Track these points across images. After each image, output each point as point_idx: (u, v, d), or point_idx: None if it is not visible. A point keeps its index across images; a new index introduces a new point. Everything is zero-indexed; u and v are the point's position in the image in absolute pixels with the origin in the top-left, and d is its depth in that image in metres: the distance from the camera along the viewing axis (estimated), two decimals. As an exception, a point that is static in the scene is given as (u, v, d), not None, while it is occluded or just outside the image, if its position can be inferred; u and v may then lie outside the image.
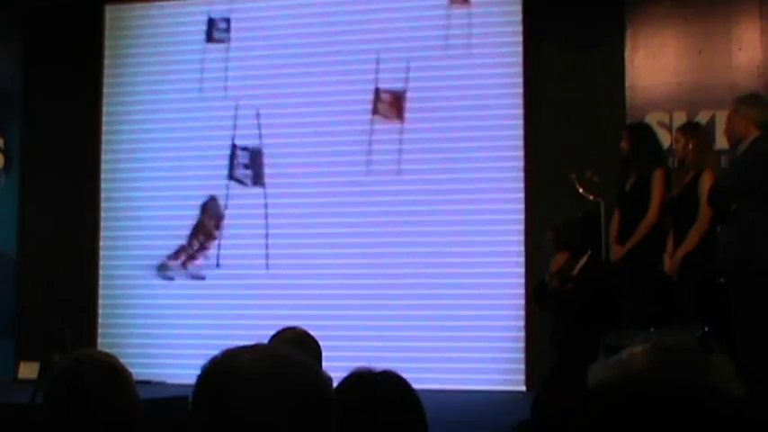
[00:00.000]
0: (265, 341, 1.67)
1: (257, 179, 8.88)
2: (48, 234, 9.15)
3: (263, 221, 8.82)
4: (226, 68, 9.05)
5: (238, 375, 1.45)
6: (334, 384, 2.27)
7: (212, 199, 9.00)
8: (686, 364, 1.56)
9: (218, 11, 9.13)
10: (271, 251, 8.75)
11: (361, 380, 2.23)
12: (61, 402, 2.40)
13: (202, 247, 9.04)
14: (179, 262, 9.04)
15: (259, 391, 1.43)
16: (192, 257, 9.07)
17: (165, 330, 8.84)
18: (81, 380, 2.39)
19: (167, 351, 8.60)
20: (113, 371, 2.46)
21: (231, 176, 8.98)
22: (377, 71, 8.63)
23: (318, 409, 1.46)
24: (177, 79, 9.14)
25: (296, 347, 2.82)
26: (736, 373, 1.62)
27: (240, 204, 8.92)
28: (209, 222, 9.05)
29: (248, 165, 8.92)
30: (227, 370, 1.47)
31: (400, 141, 8.54)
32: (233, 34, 9.07)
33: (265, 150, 8.86)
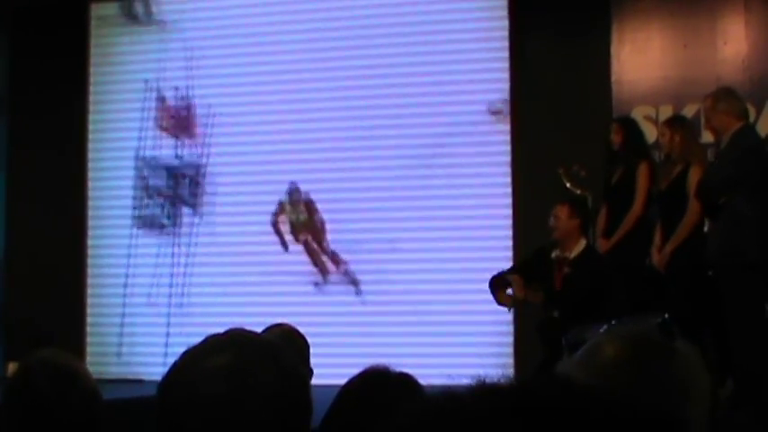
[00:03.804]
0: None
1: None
2: (35, 232, 9.12)
3: (245, 209, 8.82)
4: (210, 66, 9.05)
5: (197, 389, 1.42)
6: (343, 379, 2.27)
7: (294, 191, 8.76)
8: (653, 351, 1.57)
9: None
10: (260, 248, 8.75)
11: (373, 377, 2.23)
12: (15, 410, 2.37)
13: (319, 245, 8.77)
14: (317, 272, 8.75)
15: (219, 405, 1.40)
16: (320, 264, 8.75)
17: (158, 329, 8.82)
18: (32, 385, 2.35)
19: (160, 349, 8.58)
20: (66, 373, 2.41)
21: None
22: (354, 66, 8.64)
23: (286, 413, 1.44)
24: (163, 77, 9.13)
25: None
26: (701, 358, 1.63)
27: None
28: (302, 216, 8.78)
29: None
30: (187, 380, 1.44)
31: (386, 136, 8.54)
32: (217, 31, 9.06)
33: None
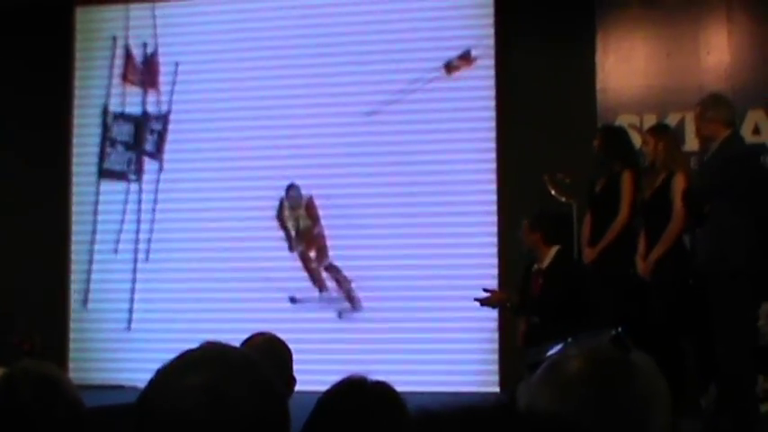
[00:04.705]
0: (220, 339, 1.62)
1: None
2: (16, 236, 9.09)
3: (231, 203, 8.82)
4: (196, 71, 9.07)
5: (174, 408, 1.43)
6: (324, 387, 2.28)
7: (290, 188, 8.71)
8: (613, 366, 1.59)
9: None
10: (242, 253, 8.74)
11: (350, 388, 2.24)
12: None
13: (321, 256, 8.70)
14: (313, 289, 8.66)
15: (196, 423, 1.41)
16: (317, 279, 8.67)
17: (140, 335, 8.80)
18: (15, 394, 2.35)
19: (141, 355, 8.54)
20: (49, 382, 2.42)
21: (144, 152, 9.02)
22: (342, 74, 8.67)
23: (263, 428, 1.45)
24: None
25: (265, 354, 2.84)
26: (656, 366, 1.65)
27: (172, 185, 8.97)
28: (305, 221, 8.72)
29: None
30: (163, 400, 1.45)
31: (372, 144, 8.56)
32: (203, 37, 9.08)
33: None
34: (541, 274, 6.73)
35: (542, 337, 6.01)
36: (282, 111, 8.75)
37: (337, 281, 8.55)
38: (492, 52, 8.38)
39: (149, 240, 9.02)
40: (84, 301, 9.10)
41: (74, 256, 9.17)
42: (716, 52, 7.81)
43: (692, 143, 7.34)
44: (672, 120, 7.62)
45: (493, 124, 8.32)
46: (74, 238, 9.20)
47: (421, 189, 8.39)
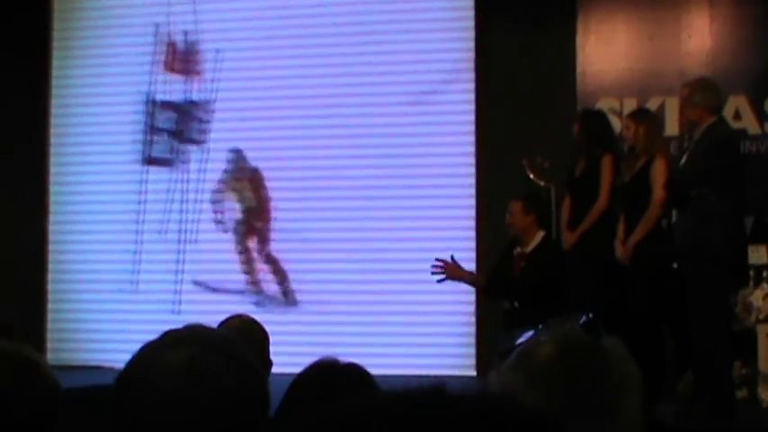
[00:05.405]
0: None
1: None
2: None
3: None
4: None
5: (154, 384, 1.43)
6: (296, 370, 2.29)
7: (235, 157, 8.51)
8: (584, 352, 1.57)
9: None
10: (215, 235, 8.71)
11: (322, 369, 2.25)
12: None
13: (263, 243, 8.53)
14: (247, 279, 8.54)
15: (176, 400, 1.41)
16: (249, 266, 8.53)
17: (118, 315, 8.76)
18: None
19: (120, 336, 8.50)
20: (22, 361, 2.41)
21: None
22: (329, 55, 8.62)
23: (242, 407, 1.45)
24: (127, 72, 9.03)
25: (242, 335, 2.81)
26: (628, 352, 1.64)
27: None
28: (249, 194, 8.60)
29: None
30: (144, 376, 1.45)
31: (347, 126, 8.52)
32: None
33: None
34: (524, 258, 6.70)
35: (521, 322, 6.00)
36: (317, 94, 8.58)
37: (275, 273, 8.48)
38: (472, 34, 8.35)
39: (138, 219, 8.95)
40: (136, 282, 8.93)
41: (51, 236, 9.11)
42: (698, 36, 7.81)
43: (672, 128, 7.34)
44: (652, 104, 7.61)
45: (472, 107, 8.29)
46: (51, 218, 9.13)
47: (398, 172, 8.36)
